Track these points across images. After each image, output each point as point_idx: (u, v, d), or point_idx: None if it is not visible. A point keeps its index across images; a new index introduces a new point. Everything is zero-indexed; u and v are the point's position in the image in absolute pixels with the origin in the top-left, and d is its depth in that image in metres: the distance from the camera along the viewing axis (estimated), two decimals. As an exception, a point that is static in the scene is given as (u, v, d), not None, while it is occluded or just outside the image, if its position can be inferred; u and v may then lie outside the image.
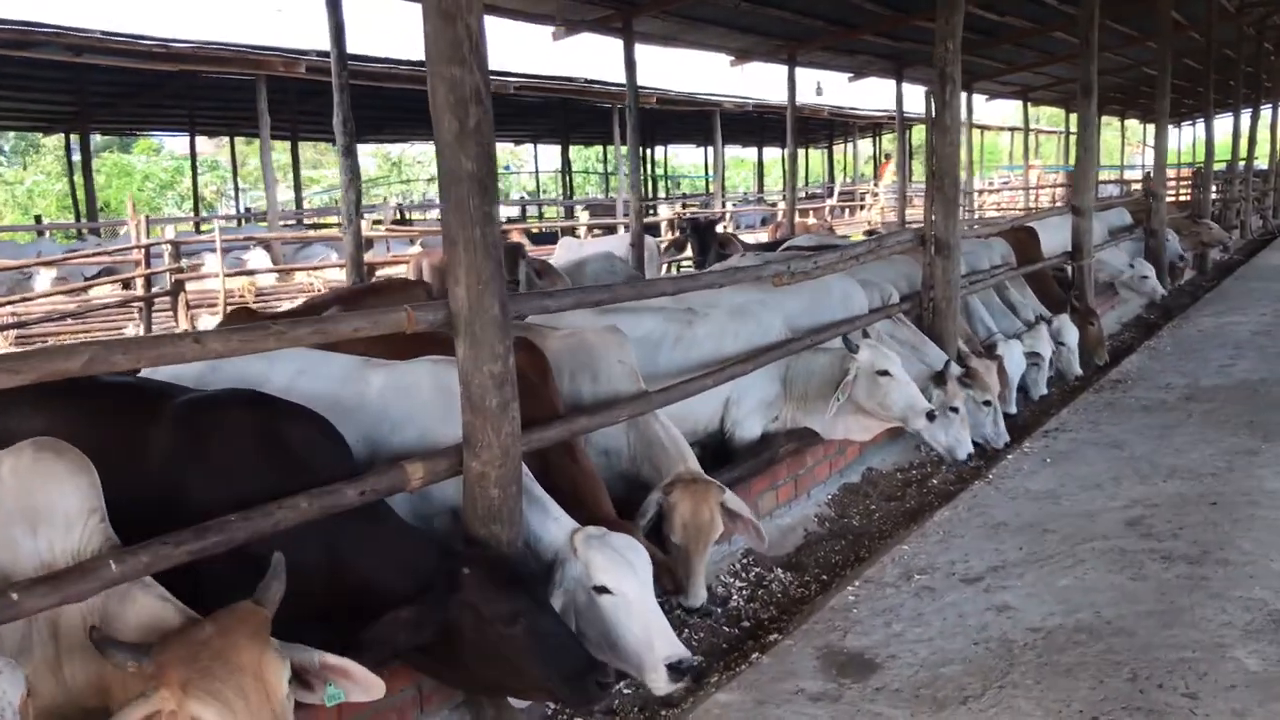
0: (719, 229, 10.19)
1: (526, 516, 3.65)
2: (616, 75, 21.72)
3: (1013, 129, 39.13)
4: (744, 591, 4.82)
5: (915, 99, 26.43)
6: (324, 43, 9.56)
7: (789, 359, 5.79)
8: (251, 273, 15.15)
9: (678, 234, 9.84)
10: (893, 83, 21.14)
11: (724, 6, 13.42)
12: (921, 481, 6.36)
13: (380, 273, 13.55)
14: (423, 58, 3.33)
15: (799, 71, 20.21)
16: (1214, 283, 15.29)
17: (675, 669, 3.44)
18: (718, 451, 5.84)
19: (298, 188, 26.47)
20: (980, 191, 31.90)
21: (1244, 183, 22.29)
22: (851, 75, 20.52)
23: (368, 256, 12.99)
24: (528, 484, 3.71)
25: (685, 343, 5.60)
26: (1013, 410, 7.62)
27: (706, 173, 38.43)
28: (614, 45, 13.03)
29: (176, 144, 40.63)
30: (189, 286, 14.33)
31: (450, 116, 3.29)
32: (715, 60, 17.19)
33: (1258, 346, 9.63)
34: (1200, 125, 31.70)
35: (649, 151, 38.45)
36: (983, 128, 41.52)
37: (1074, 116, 40.69)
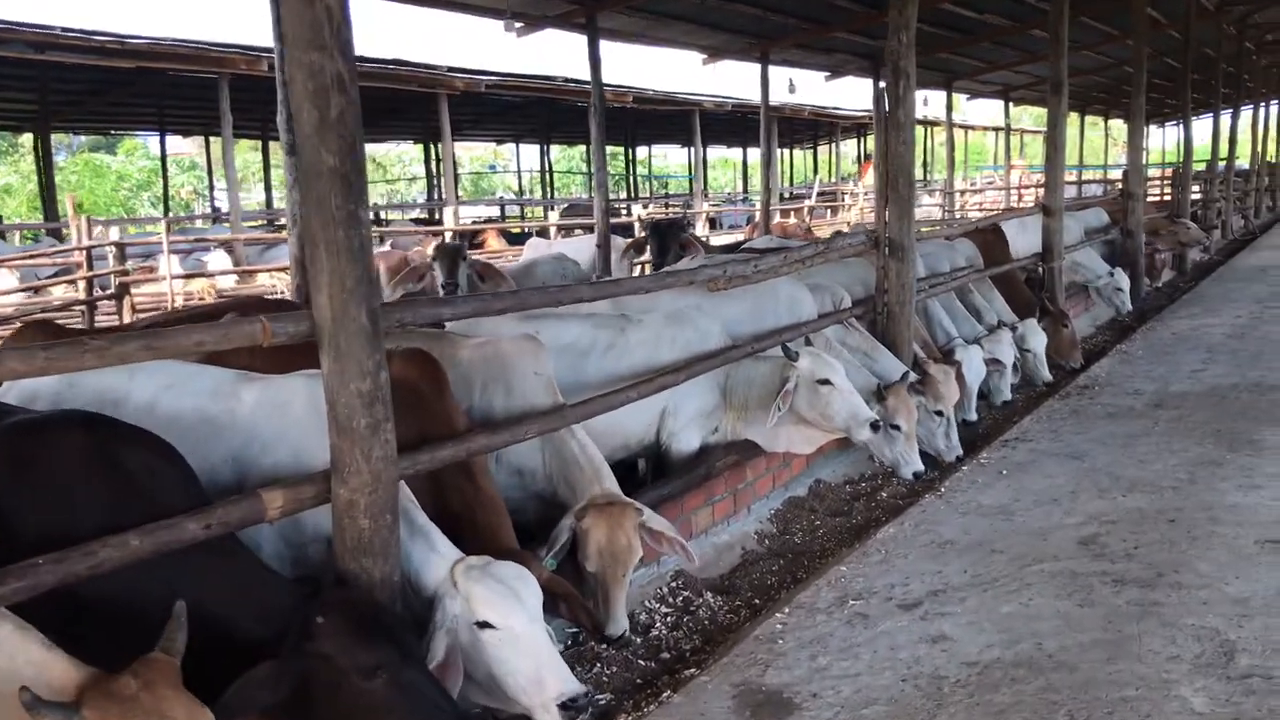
0: (684, 230, 9.87)
1: (407, 548, 3.33)
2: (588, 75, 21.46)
3: (997, 128, 38.89)
4: (669, 619, 4.51)
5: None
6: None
7: (729, 367, 5.48)
8: (209, 274, 14.77)
9: (638, 235, 9.50)
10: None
11: (692, 2, 13.14)
12: (871, 495, 6.06)
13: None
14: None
15: (777, 70, 20.11)
16: (1192, 284, 15.05)
17: (569, 707, 3.14)
18: (656, 465, 5.55)
19: (268, 188, 26.06)
20: (962, 191, 31.67)
21: (1224, 183, 22.07)
22: (828, 74, 20.23)
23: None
24: (410, 512, 3.40)
25: (617, 350, 5.29)
26: (972, 417, 7.33)
27: (690, 173, 38.16)
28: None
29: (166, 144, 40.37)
30: (146, 289, 13.99)
31: (310, 106, 2.97)
32: (696, 59, 16.89)
33: (1230, 350, 9.36)
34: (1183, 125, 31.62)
35: (631, 151, 38.23)
36: (966, 127, 41.40)
37: (1069, 116, 40.75)
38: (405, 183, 46.95)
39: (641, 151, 41.59)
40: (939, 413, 6.42)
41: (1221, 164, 22.29)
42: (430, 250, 8.06)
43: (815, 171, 42.91)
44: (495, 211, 33.17)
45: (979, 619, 4.13)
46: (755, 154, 41.94)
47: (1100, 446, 6.48)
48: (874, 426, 5.19)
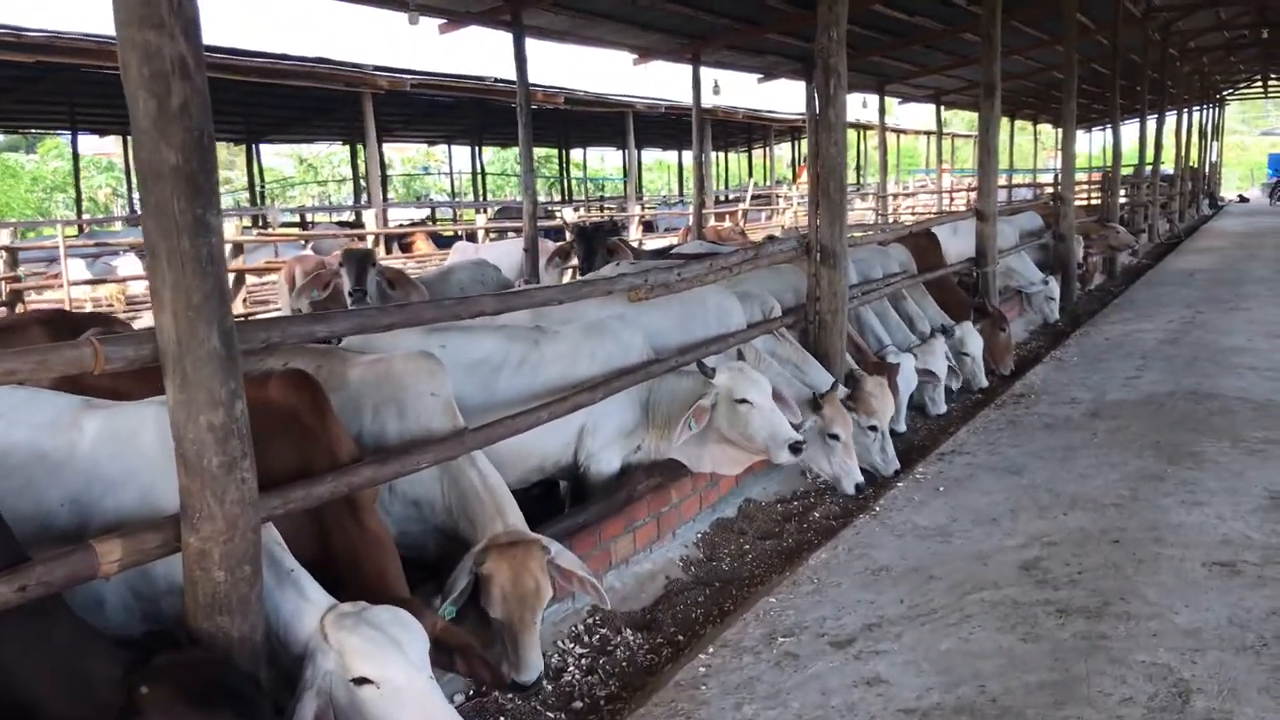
0: (611, 235, 9.50)
1: (275, 598, 2.91)
2: (530, 74, 20.98)
3: (929, 132, 39.20)
4: (583, 660, 4.13)
5: (853, 104, 26.04)
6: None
7: (652, 382, 5.12)
8: (119, 280, 14.05)
9: (566, 241, 9.12)
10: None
11: (622, 0, 12.79)
12: (804, 515, 5.74)
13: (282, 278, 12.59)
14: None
15: (712, 72, 19.90)
16: (1123, 288, 15.10)
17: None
18: (575, 487, 5.17)
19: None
20: (895, 195, 31.77)
21: (1150, 187, 22.34)
22: (761, 76, 20.01)
23: (236, 263, 12.07)
24: (277, 555, 2.98)
25: (530, 366, 4.90)
26: (902, 429, 7.07)
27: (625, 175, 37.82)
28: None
29: (85, 144, 38.91)
30: (48, 296, 13.25)
31: (146, 95, 2.54)
32: (631, 61, 16.53)
33: (1164, 356, 9.26)
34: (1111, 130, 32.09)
35: (565, 154, 37.78)
36: (899, 131, 41.70)
37: (1017, 124, 41.15)
38: (335, 184, 45.92)
39: (578, 154, 41.20)
40: (873, 427, 6.14)
41: (1148, 168, 22.56)
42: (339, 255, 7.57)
43: (750, 175, 42.88)
44: (427, 214, 32.47)
45: (917, 657, 3.82)
46: (689, 156, 41.92)
47: (1039, 460, 6.25)
48: (794, 449, 4.85)
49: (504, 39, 12.30)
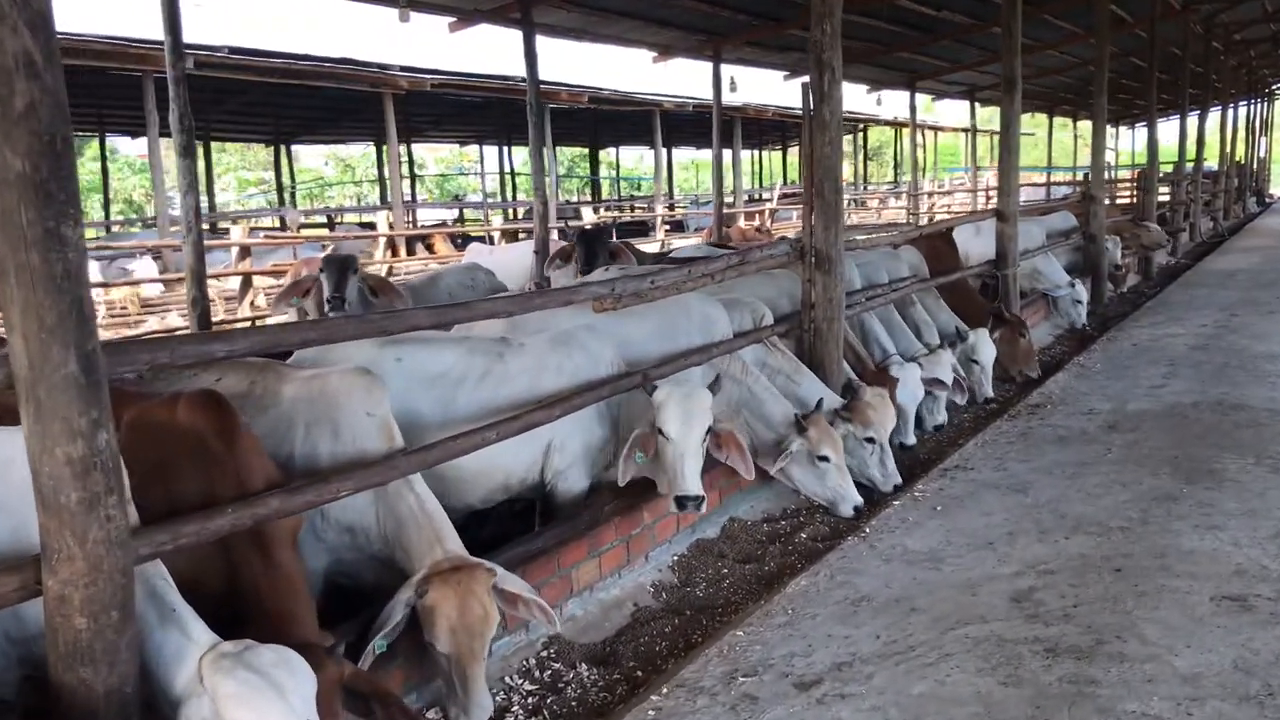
0: (611, 237, 9.19)
1: (157, 640, 2.68)
2: (555, 74, 20.77)
3: (965, 129, 38.45)
4: (530, 699, 3.85)
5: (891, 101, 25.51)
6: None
7: (623, 397, 4.84)
8: (134, 282, 14.01)
9: (566, 244, 8.85)
10: (851, 85, 20.38)
11: (638, -3, 12.53)
12: (790, 536, 5.42)
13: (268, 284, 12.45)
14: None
15: (736, 70, 19.56)
16: (1157, 289, 14.57)
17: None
18: (545, 508, 4.90)
19: (210, 192, 25.15)
20: (930, 194, 31.20)
21: (1192, 184, 21.64)
22: (786, 74, 19.63)
23: (244, 265, 11.95)
24: (161, 593, 2.74)
25: (494, 379, 4.64)
26: (910, 441, 6.74)
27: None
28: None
29: (129, 146, 39.34)
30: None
31: (-13, 95, 2.31)
32: (650, 59, 16.24)
33: (1194, 363, 8.81)
34: (1164, 125, 31.29)
35: (595, 153, 37.56)
36: (935, 128, 41.03)
37: (1059, 121, 40.32)
38: (369, 184, 46.03)
39: (612, 154, 41.00)
40: (870, 439, 5.82)
41: (1189, 165, 21.87)
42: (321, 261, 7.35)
43: (784, 173, 42.39)
44: (456, 214, 32.39)
45: (885, 702, 3.50)
46: (729, 155, 41.51)
47: (1046, 477, 5.89)
48: (680, 503, 4.51)
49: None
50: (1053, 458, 6.29)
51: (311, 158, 49.92)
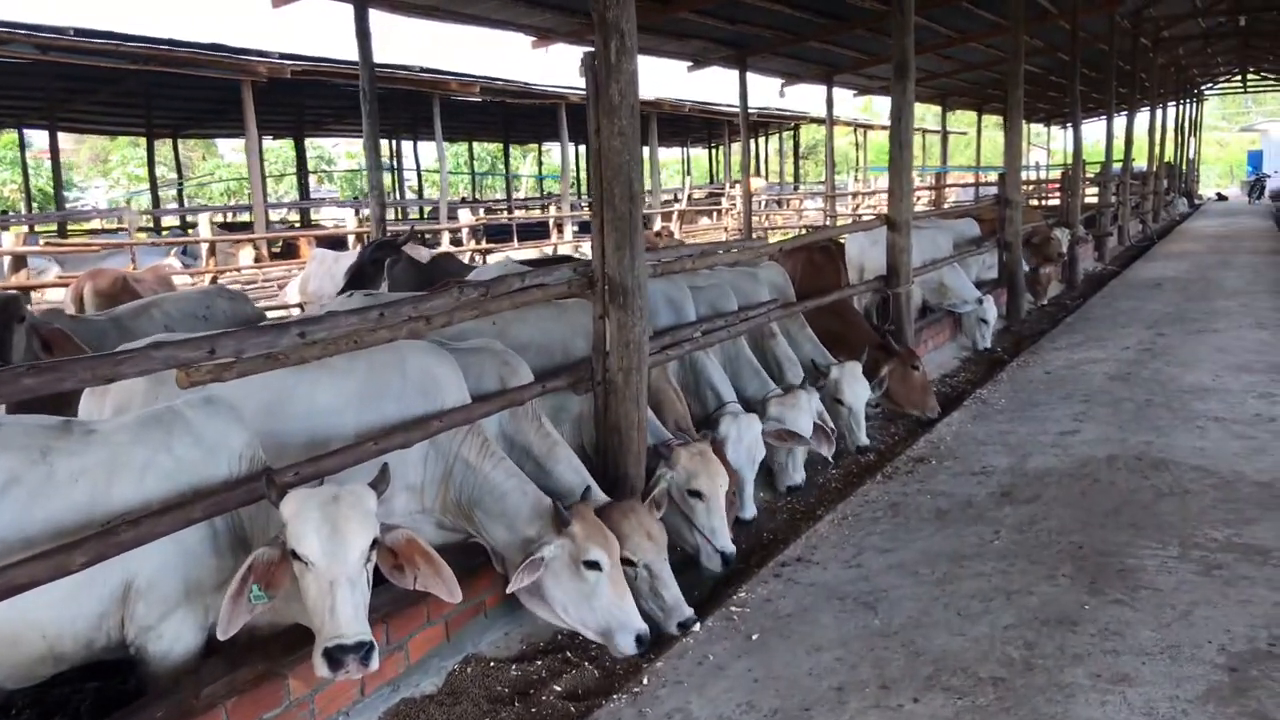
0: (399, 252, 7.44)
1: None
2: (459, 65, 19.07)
3: (924, 131, 37.28)
4: None
5: (804, 97, 24.10)
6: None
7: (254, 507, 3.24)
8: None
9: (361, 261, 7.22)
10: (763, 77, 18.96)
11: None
12: (542, 685, 3.84)
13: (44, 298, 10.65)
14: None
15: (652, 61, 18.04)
16: (1080, 300, 13.32)
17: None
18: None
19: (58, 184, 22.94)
20: (855, 194, 29.98)
21: (1120, 186, 20.59)
22: (691, 65, 18.17)
23: (16, 279, 10.14)
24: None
25: (27, 492, 2.98)
26: (748, 514, 5.24)
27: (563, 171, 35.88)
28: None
29: (42, 138, 36.66)
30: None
31: None
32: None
33: (1111, 400, 7.44)
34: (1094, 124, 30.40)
35: (506, 148, 35.92)
36: (865, 126, 39.99)
37: (992, 119, 39.36)
38: (274, 180, 43.73)
39: (554, 151, 39.45)
40: (696, 493, 4.35)
41: (1117, 166, 20.80)
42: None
43: (711, 172, 41.09)
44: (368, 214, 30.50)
45: None
46: (664, 153, 40.01)
47: (909, 580, 4.41)
48: (332, 660, 2.90)
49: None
50: (923, 545, 4.82)
51: (235, 153, 47.21)
